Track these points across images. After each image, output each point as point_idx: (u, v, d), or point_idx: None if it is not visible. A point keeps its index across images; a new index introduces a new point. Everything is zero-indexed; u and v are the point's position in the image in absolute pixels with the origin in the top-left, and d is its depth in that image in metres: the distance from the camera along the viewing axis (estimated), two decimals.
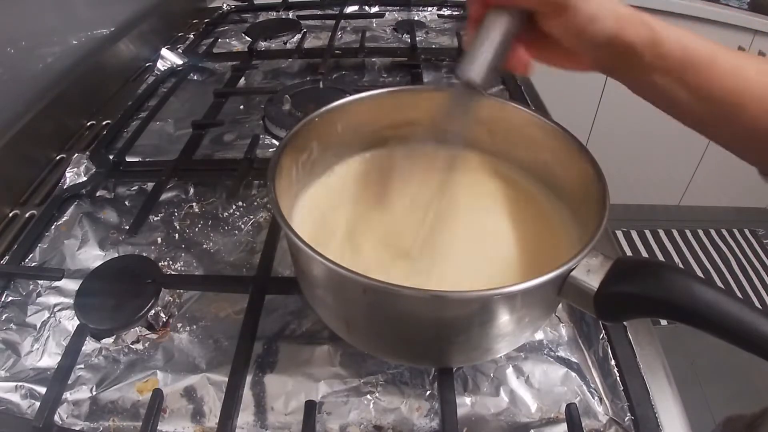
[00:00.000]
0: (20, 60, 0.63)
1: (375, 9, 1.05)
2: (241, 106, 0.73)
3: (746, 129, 0.34)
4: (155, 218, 0.54)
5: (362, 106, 0.45)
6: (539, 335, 0.43)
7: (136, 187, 0.58)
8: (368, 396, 0.39)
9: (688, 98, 0.34)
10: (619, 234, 1.85)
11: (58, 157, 0.64)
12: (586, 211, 0.38)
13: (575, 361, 0.41)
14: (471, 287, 0.30)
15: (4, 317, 0.44)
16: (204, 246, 0.51)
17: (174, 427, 0.37)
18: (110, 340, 0.42)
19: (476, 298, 0.31)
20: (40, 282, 0.47)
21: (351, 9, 1.04)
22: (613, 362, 0.41)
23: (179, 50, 0.88)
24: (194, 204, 0.56)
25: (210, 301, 0.46)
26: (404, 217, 0.44)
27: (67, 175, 0.58)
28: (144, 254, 0.50)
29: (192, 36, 0.95)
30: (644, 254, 1.80)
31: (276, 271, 0.48)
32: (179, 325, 0.44)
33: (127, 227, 0.52)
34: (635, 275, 0.31)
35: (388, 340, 0.37)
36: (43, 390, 0.38)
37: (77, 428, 0.37)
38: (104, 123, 0.71)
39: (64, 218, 0.53)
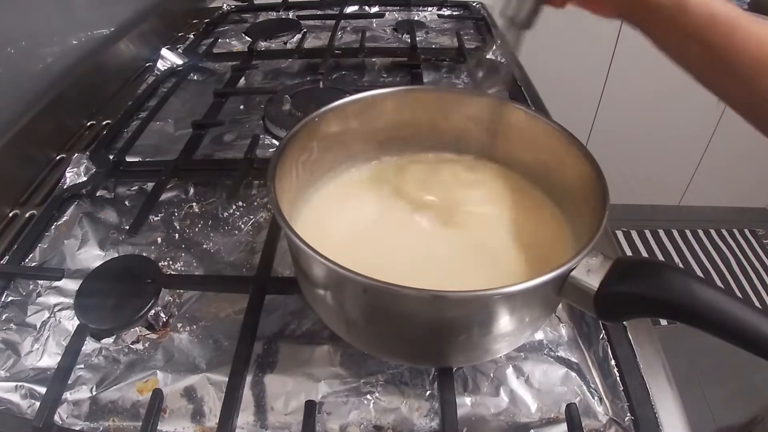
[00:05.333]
0: (20, 60, 0.63)
1: (375, 9, 1.05)
2: (241, 106, 0.73)
3: (764, 98, 0.34)
4: (155, 218, 0.54)
5: (362, 106, 0.45)
6: (539, 335, 0.43)
7: (136, 187, 0.58)
8: (368, 396, 0.39)
9: (708, 59, 0.34)
10: (619, 234, 1.85)
11: (58, 157, 0.64)
12: (586, 211, 0.38)
13: (575, 361, 0.41)
14: (471, 287, 0.30)
15: (4, 317, 0.44)
16: (204, 246, 0.51)
17: (174, 427, 0.37)
18: (110, 340, 0.42)
19: (476, 298, 0.31)
20: (40, 282, 0.47)
21: (351, 9, 1.04)
22: (613, 362, 0.41)
23: (179, 50, 0.88)
24: (194, 204, 0.56)
25: (210, 301, 0.46)
26: (403, 217, 0.44)
27: (67, 175, 0.58)
28: (144, 254, 0.49)
29: (192, 36, 0.95)
30: (644, 254, 1.80)
31: (276, 271, 0.48)
32: (179, 325, 0.44)
33: (127, 227, 0.52)
34: (635, 275, 0.31)
35: (388, 340, 0.37)
36: (43, 390, 0.38)
37: (77, 428, 0.37)
38: (104, 123, 0.71)
39: (64, 218, 0.53)
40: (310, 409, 0.37)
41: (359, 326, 0.37)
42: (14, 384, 0.39)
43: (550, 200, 0.45)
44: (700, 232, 1.87)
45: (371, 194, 0.47)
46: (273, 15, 1.04)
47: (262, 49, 0.89)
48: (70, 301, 0.44)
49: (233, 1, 1.09)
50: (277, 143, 0.65)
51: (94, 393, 0.39)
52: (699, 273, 1.66)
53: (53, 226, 0.52)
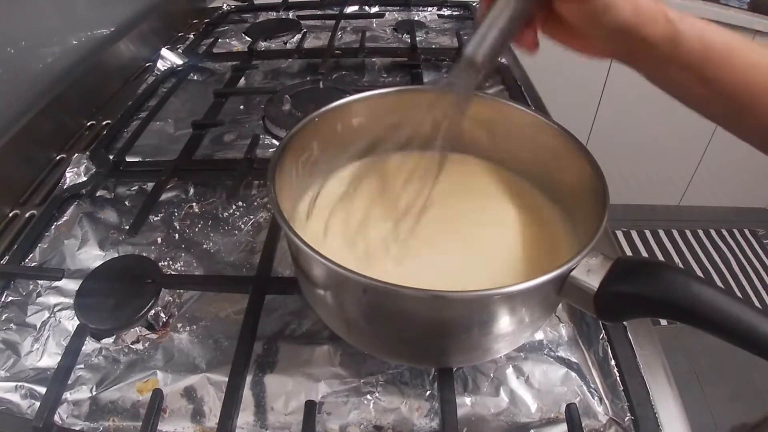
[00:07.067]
0: (20, 60, 0.63)
1: (375, 9, 1.05)
2: (241, 106, 0.73)
3: (764, 124, 0.34)
4: (155, 218, 0.54)
5: (362, 106, 0.45)
6: (539, 335, 0.43)
7: (136, 187, 0.58)
8: (368, 396, 0.39)
9: (705, 92, 0.34)
10: (619, 234, 1.85)
11: (58, 157, 0.64)
12: (585, 211, 0.38)
13: (575, 361, 0.41)
14: (471, 288, 0.30)
15: (4, 317, 0.44)
16: (204, 246, 0.51)
17: (174, 427, 0.37)
18: (110, 340, 0.42)
19: (476, 298, 0.31)
20: (40, 282, 0.47)
21: (351, 9, 1.04)
22: (613, 362, 0.41)
23: (179, 50, 0.88)
24: (194, 204, 0.56)
25: (210, 301, 0.46)
26: (402, 219, 0.44)
27: (67, 175, 0.58)
28: (144, 254, 0.49)
29: (192, 36, 0.95)
30: (644, 254, 1.80)
31: (276, 271, 0.48)
32: (179, 325, 0.44)
33: (127, 227, 0.52)
34: (635, 275, 0.31)
35: (388, 340, 0.37)
36: (43, 390, 0.38)
37: (77, 428, 0.37)
38: (104, 123, 0.71)
39: (64, 218, 0.53)
40: (310, 409, 0.37)
41: (359, 326, 0.37)
42: (14, 384, 0.39)
43: (550, 200, 0.45)
44: (700, 232, 1.87)
45: (371, 193, 0.47)
46: (273, 15, 1.04)
47: (262, 49, 0.89)
48: (70, 301, 0.44)
49: (233, 1, 1.09)
50: (277, 143, 0.65)
51: (94, 393, 0.39)
52: (699, 273, 1.66)
53: (53, 226, 0.52)
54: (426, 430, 0.37)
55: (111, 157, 0.61)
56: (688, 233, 1.87)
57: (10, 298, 0.46)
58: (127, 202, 0.56)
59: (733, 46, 0.33)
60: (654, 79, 0.36)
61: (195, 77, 0.82)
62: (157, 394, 0.38)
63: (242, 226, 0.53)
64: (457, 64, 0.36)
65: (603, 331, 0.42)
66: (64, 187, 0.57)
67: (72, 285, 0.46)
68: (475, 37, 0.35)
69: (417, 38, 0.89)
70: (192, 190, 0.57)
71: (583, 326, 0.43)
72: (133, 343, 0.42)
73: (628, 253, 1.78)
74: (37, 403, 0.37)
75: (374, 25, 1.00)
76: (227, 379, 0.38)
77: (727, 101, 0.34)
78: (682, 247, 1.83)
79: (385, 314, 0.34)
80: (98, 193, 0.57)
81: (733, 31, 0.33)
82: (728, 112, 0.35)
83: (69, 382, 0.39)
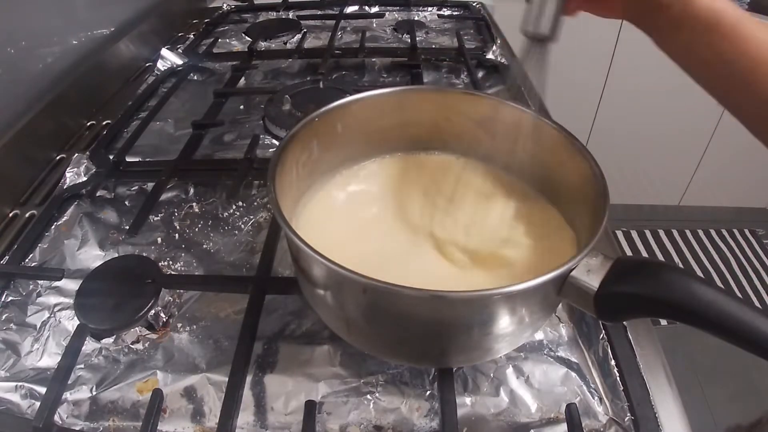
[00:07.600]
0: (20, 60, 0.63)
1: (375, 9, 1.05)
2: (241, 106, 0.73)
3: (761, 101, 0.34)
4: (155, 218, 0.54)
5: (362, 106, 0.45)
6: (539, 335, 0.43)
7: (136, 187, 0.58)
8: (368, 396, 0.39)
9: (711, 59, 0.35)
10: (619, 234, 1.85)
11: (58, 157, 0.64)
12: (586, 211, 0.38)
13: (575, 361, 0.41)
14: (471, 287, 0.30)
15: (4, 317, 0.44)
16: (204, 246, 0.51)
17: (174, 427, 0.37)
18: (110, 340, 0.42)
19: (476, 298, 0.31)
20: (40, 282, 0.47)
21: (351, 9, 1.04)
22: (613, 362, 0.41)
23: (179, 50, 0.88)
24: (194, 204, 0.56)
25: (210, 301, 0.46)
26: (403, 219, 0.44)
27: (67, 175, 0.58)
28: (144, 254, 0.49)
29: (192, 36, 0.95)
30: (644, 254, 1.80)
31: (276, 271, 0.48)
32: (179, 325, 0.44)
33: (127, 227, 0.52)
34: (635, 275, 0.31)
35: (388, 340, 0.37)
36: (43, 390, 0.38)
37: (77, 428, 0.37)
38: (104, 123, 0.71)
39: (64, 218, 0.53)
40: (310, 409, 0.37)
41: (359, 326, 0.37)
42: (14, 384, 0.39)
43: (550, 200, 0.45)
44: (700, 232, 1.87)
45: (371, 194, 0.47)
46: (273, 15, 1.04)
47: (262, 49, 0.89)
48: (70, 301, 0.44)
49: (233, 1, 1.09)
50: (277, 143, 0.65)
51: (94, 393, 0.39)
52: (699, 273, 1.67)
53: (53, 226, 0.52)
54: (426, 430, 0.37)
55: (111, 157, 0.61)
56: (688, 233, 1.87)
57: (10, 298, 0.46)
58: (127, 202, 0.56)
59: (742, 17, 0.34)
60: (664, 42, 0.37)
61: (195, 77, 0.82)
62: (157, 394, 0.38)
63: (242, 226, 0.53)
64: (526, 43, 0.38)
65: (603, 331, 0.42)
66: (64, 187, 0.57)
67: (72, 285, 0.46)
68: (536, 13, 0.36)
69: (417, 38, 0.89)
70: (192, 190, 0.57)
71: (583, 326, 0.43)
72: (133, 343, 0.42)
73: (628, 253, 1.78)
74: (37, 403, 0.37)
75: (374, 25, 1.00)
76: (227, 379, 0.38)
77: (730, 70, 0.34)
78: (682, 247, 1.83)
79: (385, 314, 0.34)
80: (98, 193, 0.56)
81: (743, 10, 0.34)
82: (730, 83, 0.35)
83: (69, 382, 0.39)
